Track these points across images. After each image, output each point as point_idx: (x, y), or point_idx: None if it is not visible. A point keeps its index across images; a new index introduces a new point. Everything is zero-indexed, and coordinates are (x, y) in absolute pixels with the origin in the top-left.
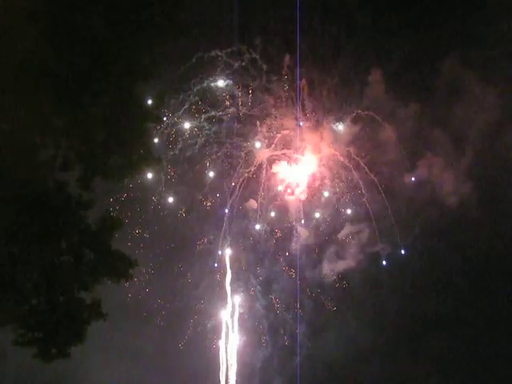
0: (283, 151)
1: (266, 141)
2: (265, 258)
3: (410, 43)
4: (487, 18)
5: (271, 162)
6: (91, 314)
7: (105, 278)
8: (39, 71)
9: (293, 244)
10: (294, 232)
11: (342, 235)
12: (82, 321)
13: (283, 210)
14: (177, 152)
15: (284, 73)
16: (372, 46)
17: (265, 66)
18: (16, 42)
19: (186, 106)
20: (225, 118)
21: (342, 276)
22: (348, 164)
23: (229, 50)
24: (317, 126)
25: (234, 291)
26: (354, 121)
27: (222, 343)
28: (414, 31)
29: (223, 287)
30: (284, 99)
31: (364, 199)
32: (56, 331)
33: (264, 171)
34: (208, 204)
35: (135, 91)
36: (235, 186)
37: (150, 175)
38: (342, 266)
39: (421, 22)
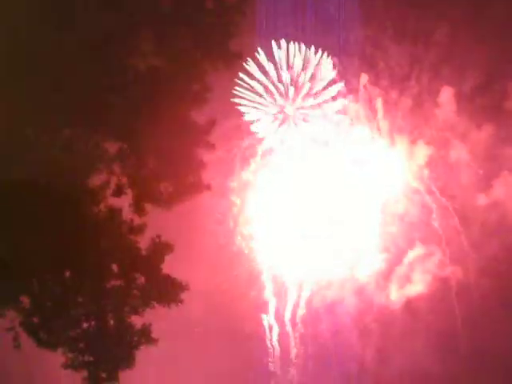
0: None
1: None
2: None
3: (483, 62)
4: None
5: None
6: (141, 339)
7: (155, 302)
8: (94, 99)
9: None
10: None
11: (411, 258)
12: (132, 345)
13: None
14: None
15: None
16: (446, 65)
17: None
18: (72, 70)
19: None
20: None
21: (410, 300)
22: (420, 187)
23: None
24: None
25: None
26: (428, 142)
27: None
28: (487, 50)
29: None
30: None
31: (435, 223)
32: (106, 355)
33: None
34: None
35: (187, 118)
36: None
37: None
38: (410, 290)
39: (493, 41)
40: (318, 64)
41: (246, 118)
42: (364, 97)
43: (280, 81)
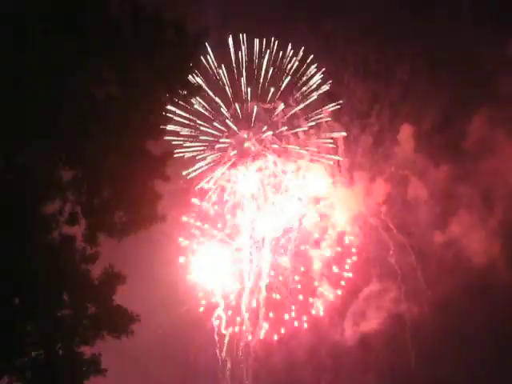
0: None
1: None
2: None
3: (441, 102)
4: None
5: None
6: (90, 369)
7: (105, 332)
8: (50, 125)
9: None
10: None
11: (366, 294)
12: (81, 375)
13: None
14: None
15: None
16: (406, 103)
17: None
18: (28, 95)
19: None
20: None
21: (365, 337)
22: (377, 223)
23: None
24: (350, 182)
25: None
26: (386, 179)
27: None
28: (446, 88)
29: None
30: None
31: (392, 260)
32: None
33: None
34: None
35: (144, 148)
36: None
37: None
38: (365, 326)
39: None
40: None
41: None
42: (326, 132)
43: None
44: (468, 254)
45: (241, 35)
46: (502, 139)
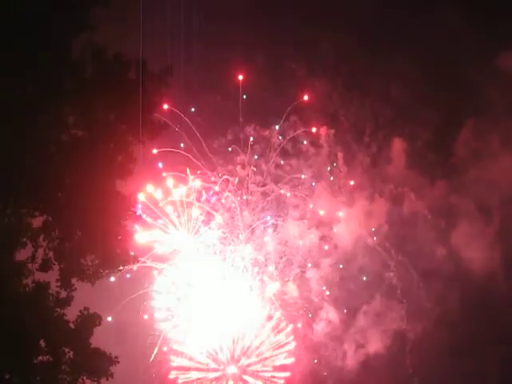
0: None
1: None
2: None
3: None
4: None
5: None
6: None
7: (85, 377)
8: (16, 172)
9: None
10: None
11: (367, 313)
12: None
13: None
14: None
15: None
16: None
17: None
18: None
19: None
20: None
21: (367, 359)
22: (376, 244)
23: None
24: (350, 202)
25: None
26: (385, 198)
27: None
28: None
29: None
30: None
31: (393, 279)
32: None
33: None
34: None
35: (112, 189)
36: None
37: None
38: (367, 349)
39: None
40: None
41: None
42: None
43: None
44: (470, 267)
45: None
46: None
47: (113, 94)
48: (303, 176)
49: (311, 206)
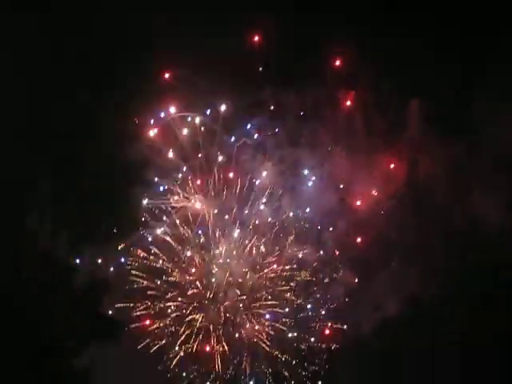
0: None
1: None
2: None
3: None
4: None
5: None
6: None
7: (92, 341)
8: None
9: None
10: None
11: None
12: None
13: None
14: None
15: None
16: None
17: None
18: None
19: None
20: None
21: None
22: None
23: None
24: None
25: None
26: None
27: None
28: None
29: None
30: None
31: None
32: None
33: None
34: None
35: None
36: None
37: None
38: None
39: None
40: None
41: None
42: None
43: None
44: (489, 228)
45: None
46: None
47: None
48: (320, 139)
49: (328, 168)
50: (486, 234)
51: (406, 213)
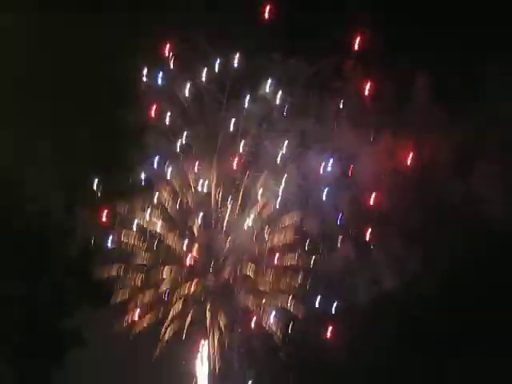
0: None
1: None
2: None
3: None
4: None
5: None
6: (73, 340)
7: (85, 304)
8: None
9: None
10: None
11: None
12: (63, 346)
13: None
14: None
15: None
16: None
17: None
18: None
19: None
20: None
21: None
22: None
23: None
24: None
25: None
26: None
27: None
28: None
29: None
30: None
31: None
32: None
33: None
34: None
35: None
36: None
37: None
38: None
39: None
40: None
41: None
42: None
43: None
44: (494, 211)
45: None
46: None
47: None
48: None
49: (333, 139)
50: (491, 218)
51: (408, 190)
